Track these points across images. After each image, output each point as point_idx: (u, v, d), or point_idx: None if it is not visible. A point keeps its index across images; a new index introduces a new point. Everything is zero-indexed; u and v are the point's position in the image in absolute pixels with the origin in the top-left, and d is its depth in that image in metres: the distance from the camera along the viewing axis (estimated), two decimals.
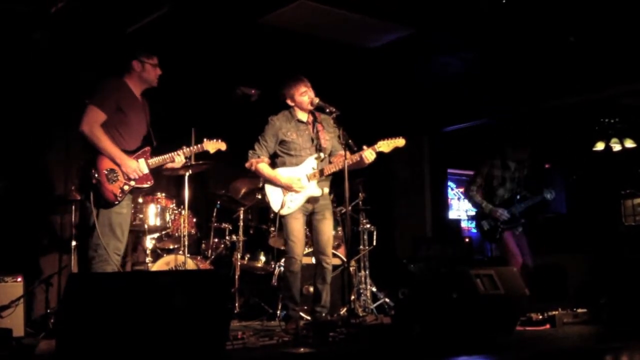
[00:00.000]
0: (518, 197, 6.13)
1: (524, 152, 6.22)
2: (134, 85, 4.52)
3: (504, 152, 6.22)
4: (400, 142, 4.74)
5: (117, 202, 4.29)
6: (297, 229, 4.78)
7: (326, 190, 4.86)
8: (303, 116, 4.90)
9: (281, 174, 4.81)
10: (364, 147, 4.65)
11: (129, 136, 4.42)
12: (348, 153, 4.47)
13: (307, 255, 5.52)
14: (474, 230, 10.53)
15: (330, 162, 4.88)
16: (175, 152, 4.57)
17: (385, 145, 4.70)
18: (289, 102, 4.90)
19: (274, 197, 4.81)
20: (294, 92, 4.83)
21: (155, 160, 4.51)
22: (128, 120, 4.41)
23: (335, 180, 4.99)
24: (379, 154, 4.71)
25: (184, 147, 4.63)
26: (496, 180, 6.17)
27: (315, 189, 4.80)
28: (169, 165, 4.64)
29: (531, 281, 5.91)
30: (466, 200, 10.62)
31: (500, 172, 6.18)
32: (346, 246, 4.98)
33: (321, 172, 4.77)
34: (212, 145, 4.77)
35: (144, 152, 4.48)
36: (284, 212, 4.76)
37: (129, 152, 4.39)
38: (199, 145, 4.72)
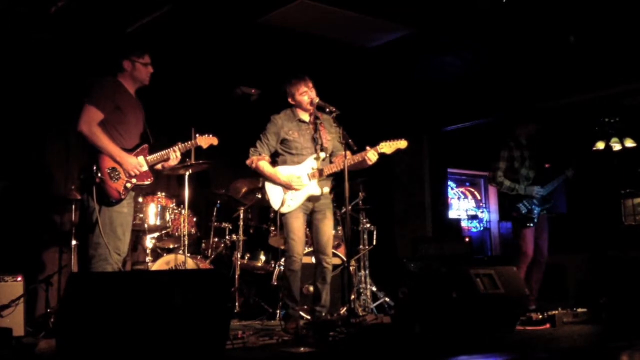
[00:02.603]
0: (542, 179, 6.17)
1: (532, 127, 6.23)
2: (128, 85, 4.53)
3: (514, 133, 6.22)
4: (402, 144, 4.75)
5: (121, 200, 4.32)
6: (298, 227, 4.78)
7: (327, 189, 4.86)
8: (305, 116, 4.90)
9: (281, 172, 4.81)
10: (367, 147, 4.67)
11: (127, 135, 4.43)
12: (349, 153, 4.48)
13: (308, 254, 5.52)
14: (474, 230, 10.56)
15: (331, 163, 4.88)
16: (171, 149, 4.59)
17: (388, 147, 4.72)
18: (290, 100, 4.90)
19: (275, 195, 4.81)
20: (294, 92, 4.84)
21: (154, 157, 4.52)
22: (126, 120, 4.43)
23: (336, 180, 5.00)
24: (381, 155, 4.72)
25: (179, 144, 4.64)
26: (517, 162, 6.14)
27: (315, 188, 4.80)
28: (166, 164, 4.65)
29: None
30: (467, 200, 10.74)
31: (519, 153, 6.14)
32: (346, 246, 4.97)
33: (321, 171, 4.78)
34: (205, 141, 4.80)
35: (143, 150, 4.50)
36: (284, 210, 4.76)
37: (128, 151, 4.41)
38: (192, 142, 4.74)
